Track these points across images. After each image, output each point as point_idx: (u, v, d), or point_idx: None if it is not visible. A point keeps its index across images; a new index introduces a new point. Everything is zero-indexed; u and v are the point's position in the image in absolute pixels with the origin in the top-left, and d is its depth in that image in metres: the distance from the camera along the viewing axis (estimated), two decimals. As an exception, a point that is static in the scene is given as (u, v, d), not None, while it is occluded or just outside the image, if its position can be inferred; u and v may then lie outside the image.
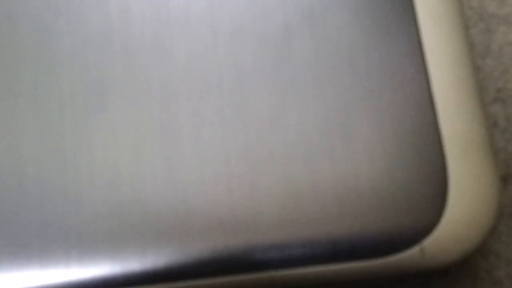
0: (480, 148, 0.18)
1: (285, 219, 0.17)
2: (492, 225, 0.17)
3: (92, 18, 0.18)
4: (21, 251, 0.17)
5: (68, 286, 0.16)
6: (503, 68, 0.22)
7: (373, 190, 0.17)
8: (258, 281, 0.17)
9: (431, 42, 0.18)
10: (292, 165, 0.17)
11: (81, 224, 0.17)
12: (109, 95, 0.18)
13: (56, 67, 0.18)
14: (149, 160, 0.17)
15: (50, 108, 0.18)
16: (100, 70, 0.18)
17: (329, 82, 0.18)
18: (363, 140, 0.17)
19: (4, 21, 0.18)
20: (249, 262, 0.17)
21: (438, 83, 0.18)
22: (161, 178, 0.17)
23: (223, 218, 0.17)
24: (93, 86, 0.18)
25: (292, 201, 0.17)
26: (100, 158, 0.17)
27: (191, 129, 0.17)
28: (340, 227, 0.17)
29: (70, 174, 0.17)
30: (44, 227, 0.17)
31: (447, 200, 0.17)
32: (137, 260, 0.16)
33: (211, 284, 0.17)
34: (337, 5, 0.18)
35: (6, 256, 0.17)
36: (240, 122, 0.18)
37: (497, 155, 0.21)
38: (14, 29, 0.18)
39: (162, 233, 0.17)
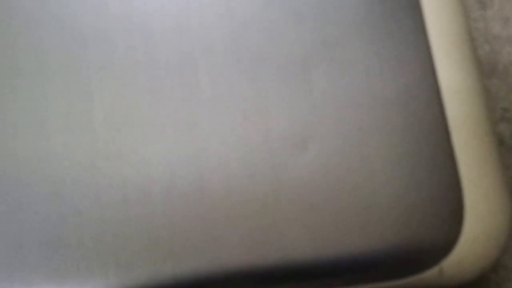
0: (493, 169, 0.18)
1: (307, 241, 0.17)
2: (506, 242, 0.18)
3: (119, 49, 0.18)
4: (63, 273, 0.17)
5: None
6: (509, 88, 0.22)
7: (393, 214, 0.17)
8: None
9: (444, 70, 0.18)
10: (314, 189, 0.17)
11: (117, 245, 0.17)
12: (137, 123, 0.18)
13: (87, 97, 0.18)
14: (180, 186, 0.17)
15: (83, 138, 0.18)
16: (128, 98, 0.18)
17: (348, 109, 0.18)
18: (382, 167, 0.18)
19: (35, 54, 0.18)
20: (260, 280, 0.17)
21: (451, 108, 0.18)
22: (191, 202, 0.17)
23: (249, 238, 0.17)
24: (122, 114, 0.18)
25: (314, 223, 0.17)
26: (133, 186, 0.17)
27: (219, 155, 0.18)
28: (364, 250, 0.17)
29: (105, 201, 0.17)
30: (83, 249, 0.17)
31: (463, 221, 0.17)
32: (172, 276, 0.17)
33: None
34: (352, 35, 0.19)
35: (48, 277, 0.17)
36: (265, 146, 0.18)
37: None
38: (45, 62, 0.18)
39: (193, 252, 0.17)
